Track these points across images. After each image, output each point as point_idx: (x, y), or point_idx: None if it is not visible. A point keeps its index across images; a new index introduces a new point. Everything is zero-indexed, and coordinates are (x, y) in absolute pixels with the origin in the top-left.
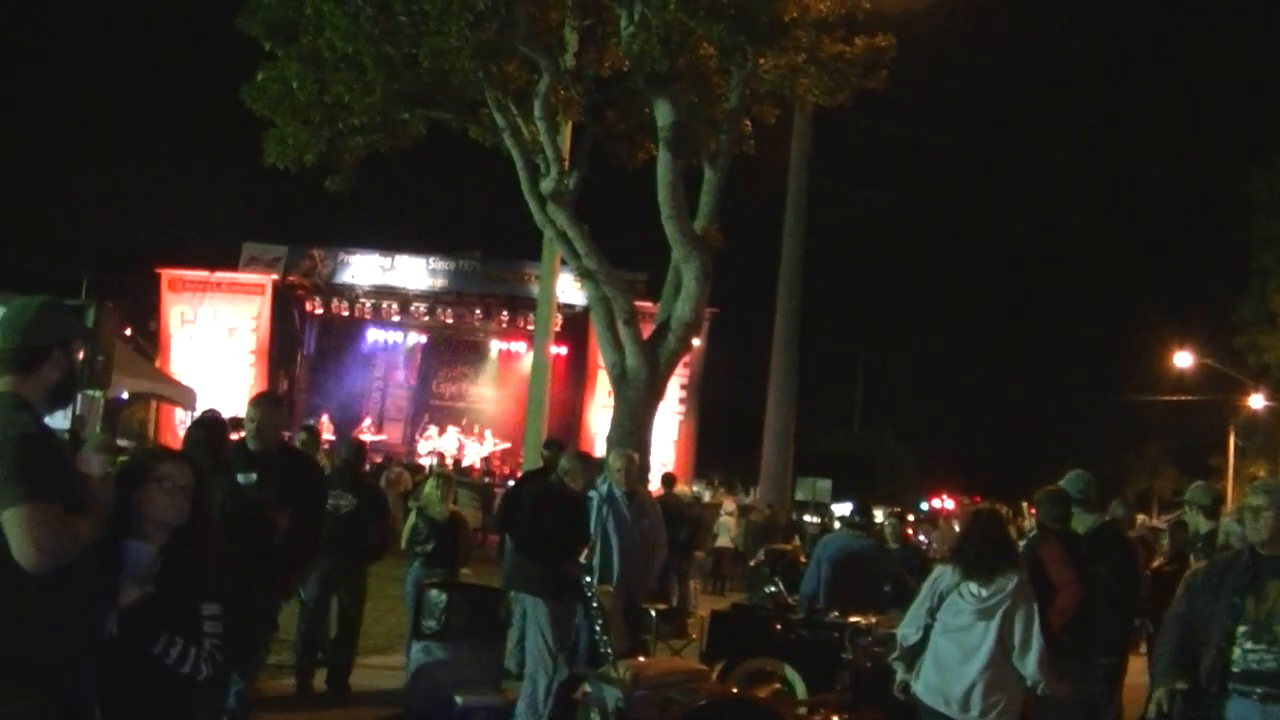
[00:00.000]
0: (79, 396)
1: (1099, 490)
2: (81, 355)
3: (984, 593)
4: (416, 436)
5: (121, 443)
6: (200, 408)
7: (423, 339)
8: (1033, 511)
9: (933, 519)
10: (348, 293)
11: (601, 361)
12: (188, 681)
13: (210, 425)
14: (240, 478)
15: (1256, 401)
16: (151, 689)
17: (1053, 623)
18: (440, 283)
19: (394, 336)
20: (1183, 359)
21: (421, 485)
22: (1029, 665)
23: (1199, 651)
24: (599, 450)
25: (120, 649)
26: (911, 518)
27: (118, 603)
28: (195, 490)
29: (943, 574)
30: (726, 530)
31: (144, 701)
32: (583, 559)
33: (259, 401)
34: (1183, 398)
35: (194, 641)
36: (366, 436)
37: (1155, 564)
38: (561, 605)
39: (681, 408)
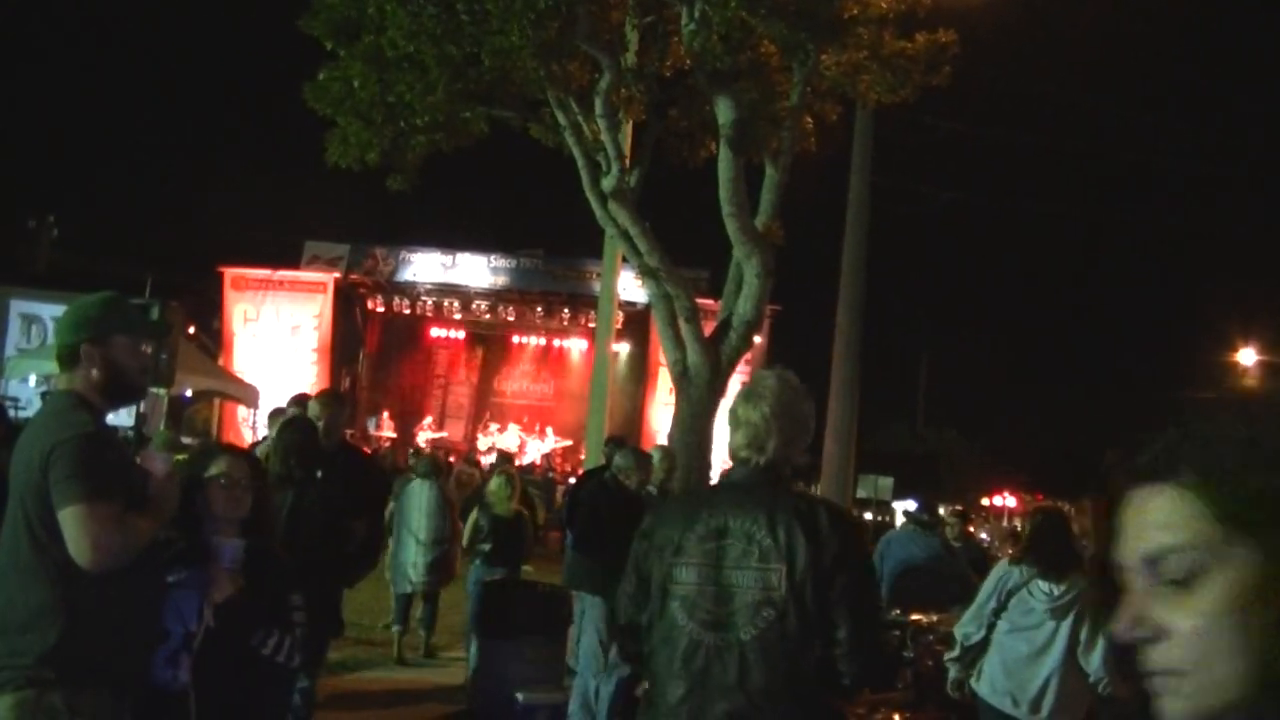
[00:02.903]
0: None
1: None
2: (149, 351)
3: (1056, 591)
4: (477, 434)
5: (186, 440)
6: (263, 406)
7: (484, 337)
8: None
9: (986, 516)
10: (409, 291)
11: (663, 359)
12: (283, 670)
13: (306, 428)
14: None
15: None
16: (250, 680)
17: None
18: (502, 281)
19: (455, 334)
20: (1246, 355)
21: (485, 483)
22: (1095, 662)
23: None
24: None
25: (218, 642)
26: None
27: (212, 598)
28: (255, 484)
29: (1009, 573)
30: None
31: (243, 692)
32: None
33: (324, 399)
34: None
35: (288, 631)
36: (427, 434)
37: None
38: None
39: None
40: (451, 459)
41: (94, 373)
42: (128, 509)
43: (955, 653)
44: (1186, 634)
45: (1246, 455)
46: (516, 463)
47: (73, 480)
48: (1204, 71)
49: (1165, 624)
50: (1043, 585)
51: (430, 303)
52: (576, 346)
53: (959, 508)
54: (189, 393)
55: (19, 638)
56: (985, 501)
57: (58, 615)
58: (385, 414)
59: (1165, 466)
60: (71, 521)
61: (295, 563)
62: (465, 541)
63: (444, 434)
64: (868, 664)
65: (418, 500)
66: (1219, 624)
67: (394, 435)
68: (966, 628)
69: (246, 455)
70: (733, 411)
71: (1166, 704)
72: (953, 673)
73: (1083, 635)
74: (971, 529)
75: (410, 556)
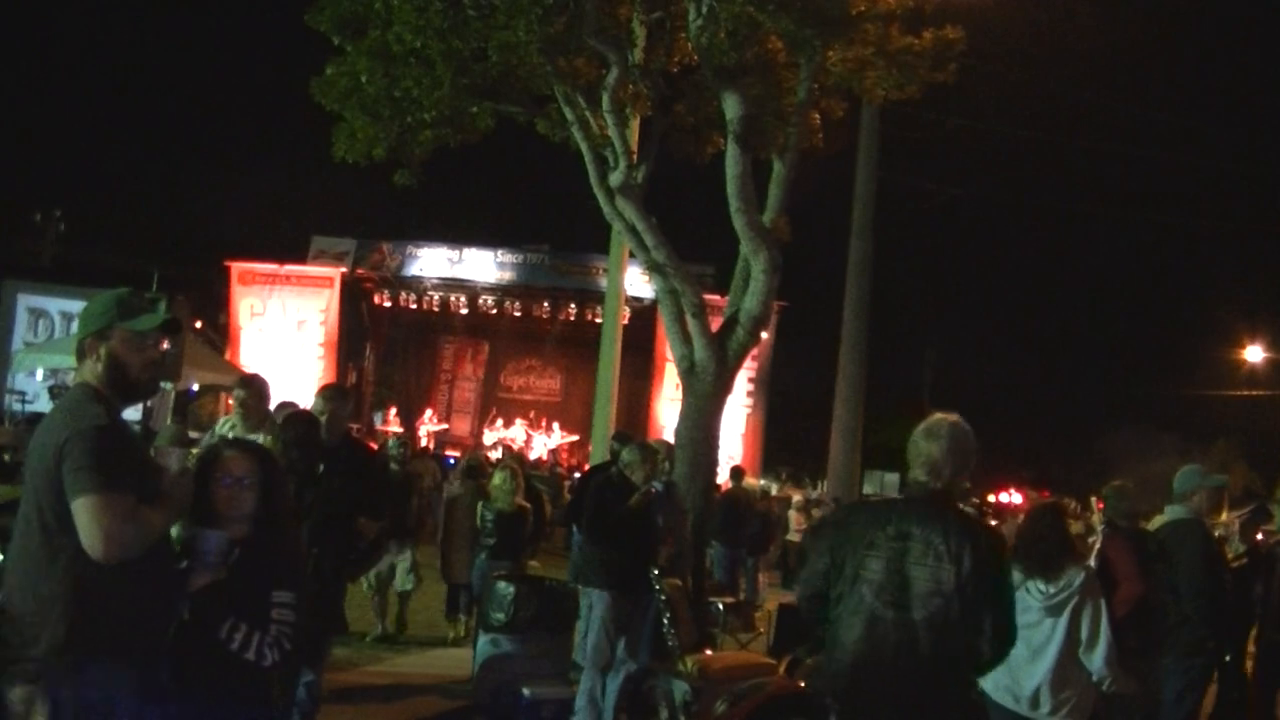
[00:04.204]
0: None
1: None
2: (158, 347)
3: (1051, 589)
4: (484, 429)
5: (192, 434)
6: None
7: (491, 332)
8: (1099, 506)
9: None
10: (416, 286)
11: (670, 354)
12: (253, 668)
13: (309, 423)
14: None
15: None
16: (219, 674)
17: (1115, 610)
18: (508, 276)
19: (462, 329)
20: (1253, 353)
21: (489, 478)
22: (1096, 660)
23: None
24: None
25: (191, 634)
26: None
27: (188, 588)
28: (266, 480)
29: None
30: (794, 523)
31: (212, 685)
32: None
33: (328, 394)
34: (1254, 392)
35: (259, 628)
36: (429, 427)
37: (1228, 558)
38: (626, 599)
39: (749, 401)
40: (457, 454)
41: (99, 366)
42: (140, 502)
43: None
44: None
45: None
46: (523, 456)
47: (85, 471)
48: (1212, 67)
49: None
50: (1039, 584)
51: (436, 298)
52: (583, 341)
53: (975, 502)
54: (195, 387)
55: (30, 627)
56: (991, 499)
57: (69, 606)
58: (392, 409)
59: None
60: (83, 512)
61: (296, 560)
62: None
63: (445, 426)
64: (1004, 646)
65: (466, 500)
66: None
67: (400, 430)
68: None
69: (256, 451)
70: (914, 443)
71: None
72: None
73: (1083, 633)
74: None
75: (463, 551)
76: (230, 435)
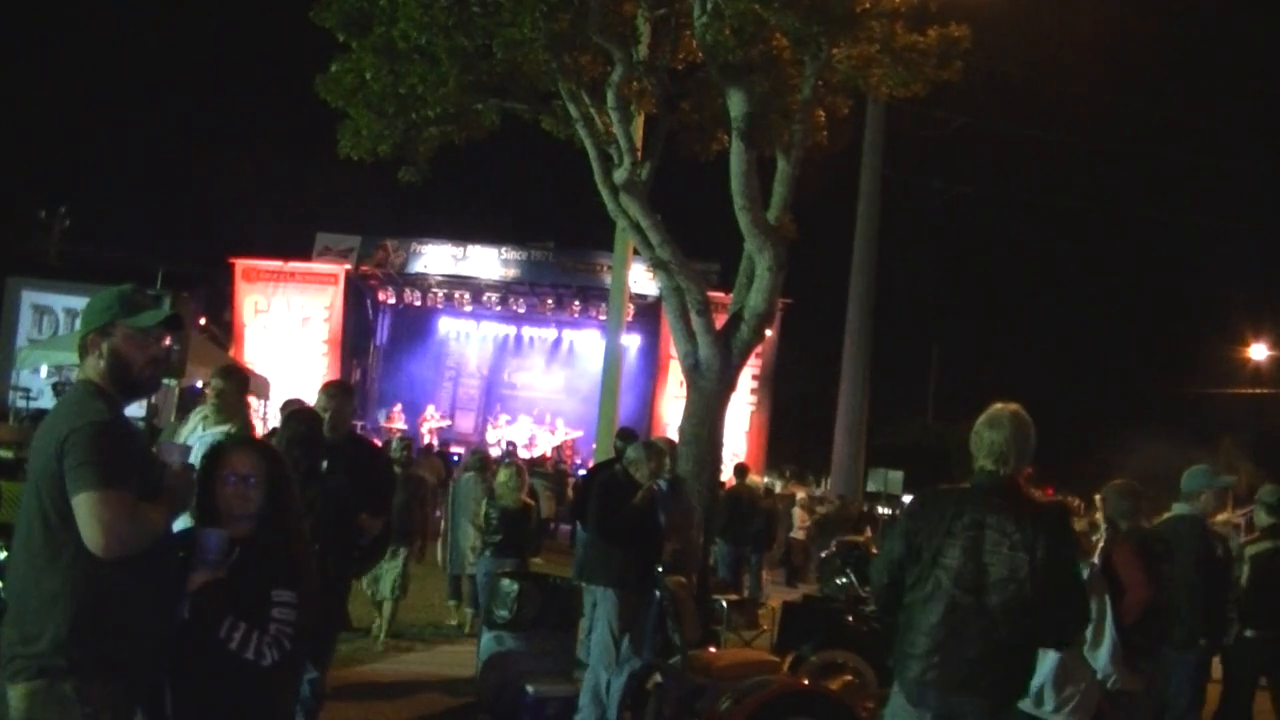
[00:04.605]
0: None
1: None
2: (159, 344)
3: None
4: (488, 426)
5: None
6: (274, 397)
7: (495, 329)
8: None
9: None
10: (420, 282)
11: (674, 351)
12: (252, 667)
13: (312, 419)
14: None
15: None
16: (217, 673)
17: (1122, 619)
18: (512, 273)
19: (466, 326)
20: (1258, 351)
21: (494, 475)
22: (1101, 659)
23: None
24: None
25: (189, 633)
26: None
27: (188, 587)
28: (272, 478)
29: None
30: (797, 521)
31: (210, 685)
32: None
33: (331, 391)
34: (1258, 390)
35: (257, 627)
36: (433, 424)
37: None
38: (632, 596)
39: (754, 398)
40: (461, 450)
41: (101, 363)
42: (142, 498)
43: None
44: None
45: None
46: (518, 453)
47: (86, 467)
48: (1219, 65)
49: None
50: None
51: (441, 294)
52: (587, 339)
53: None
54: (199, 384)
55: (32, 625)
56: None
57: (70, 603)
58: (397, 406)
59: None
60: (84, 507)
61: (298, 559)
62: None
63: (447, 422)
64: (1081, 626)
65: (474, 491)
66: None
67: (403, 427)
68: None
69: (261, 448)
70: (977, 434)
71: None
72: None
73: (1088, 631)
74: None
75: (470, 540)
76: (202, 427)
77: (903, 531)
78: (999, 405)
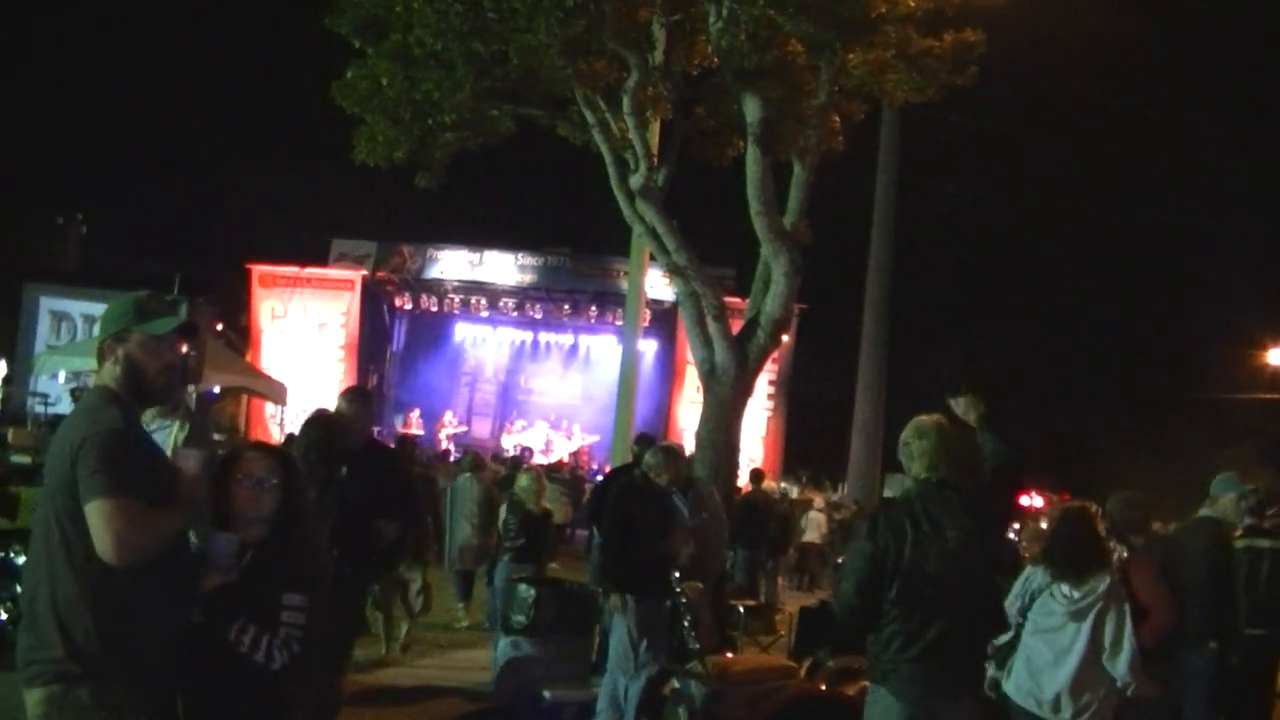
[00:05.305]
0: None
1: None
2: (176, 350)
3: (1076, 594)
4: (504, 431)
5: (216, 437)
6: (291, 403)
7: (511, 334)
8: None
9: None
10: (436, 288)
11: (690, 357)
12: (262, 670)
13: (330, 425)
14: None
15: None
16: (227, 676)
17: (1144, 640)
18: (529, 278)
19: (482, 332)
20: (1276, 356)
21: (513, 480)
22: (1120, 667)
23: None
24: (689, 446)
25: (200, 636)
26: None
27: (199, 590)
28: (286, 482)
29: (1033, 574)
30: (816, 526)
31: (220, 688)
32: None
33: (351, 396)
34: (1276, 396)
35: (268, 630)
36: (450, 430)
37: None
38: (648, 602)
39: (770, 403)
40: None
41: (116, 369)
42: (154, 505)
43: (988, 653)
44: None
45: None
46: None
47: (98, 475)
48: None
49: None
50: (1063, 588)
51: (457, 300)
52: (604, 344)
53: None
54: (216, 389)
55: (47, 631)
56: None
57: (85, 609)
58: (414, 412)
59: None
60: (96, 515)
61: (310, 563)
62: (497, 539)
63: (464, 429)
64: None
65: (469, 491)
66: None
67: (420, 433)
68: None
69: (276, 454)
70: (906, 444)
71: None
72: (989, 672)
73: (1107, 639)
74: None
75: (463, 539)
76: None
77: (868, 555)
78: (922, 416)
